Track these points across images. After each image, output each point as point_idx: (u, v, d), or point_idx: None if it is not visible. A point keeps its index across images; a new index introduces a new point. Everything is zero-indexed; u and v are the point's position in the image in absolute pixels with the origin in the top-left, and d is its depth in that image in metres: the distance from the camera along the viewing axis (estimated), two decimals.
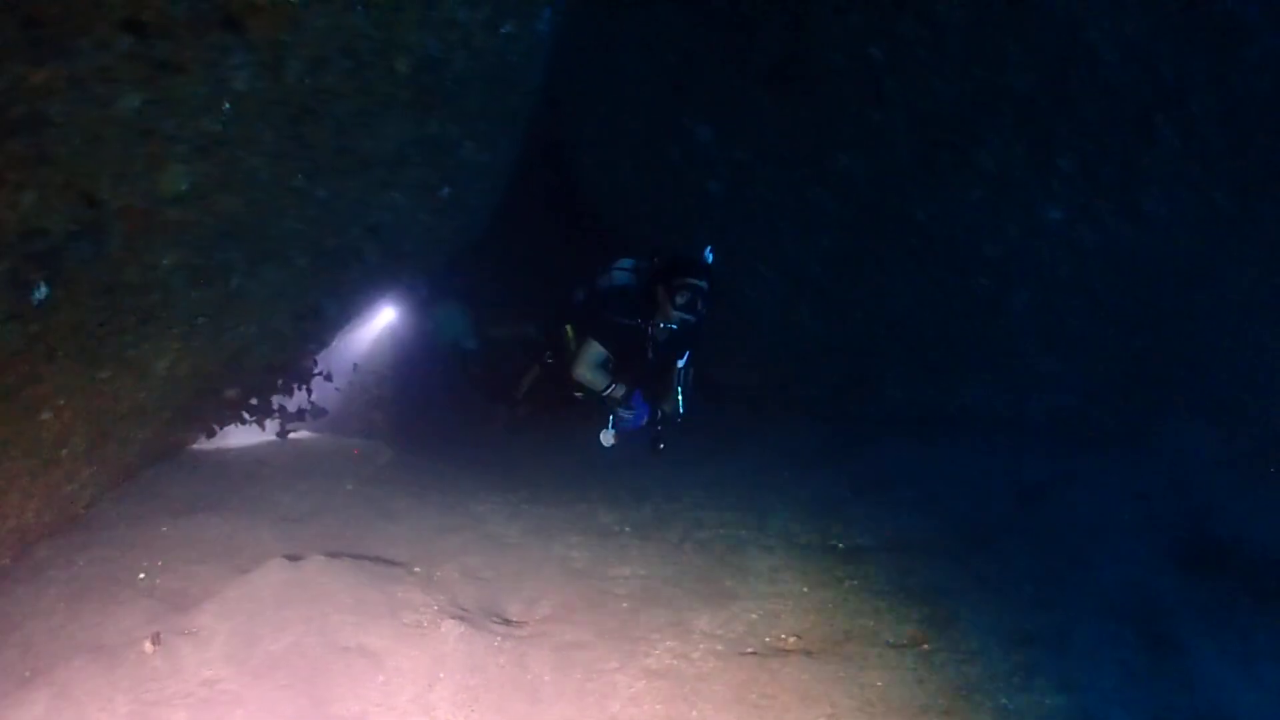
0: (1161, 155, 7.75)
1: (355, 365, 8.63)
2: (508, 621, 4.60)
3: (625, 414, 6.91)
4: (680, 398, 7.08)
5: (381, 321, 8.31)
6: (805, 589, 5.27)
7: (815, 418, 9.08)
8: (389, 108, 5.04)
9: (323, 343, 6.92)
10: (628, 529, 6.29)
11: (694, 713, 3.92)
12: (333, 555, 4.94)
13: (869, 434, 8.73)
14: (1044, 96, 7.69)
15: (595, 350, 6.84)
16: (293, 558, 4.79)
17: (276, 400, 7.01)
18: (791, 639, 4.68)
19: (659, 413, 7.10)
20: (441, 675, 4.00)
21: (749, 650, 4.50)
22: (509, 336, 8.04)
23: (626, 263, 7.23)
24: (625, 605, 4.87)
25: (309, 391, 7.41)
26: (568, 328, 7.21)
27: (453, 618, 4.41)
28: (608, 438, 6.85)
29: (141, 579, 4.77)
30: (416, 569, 5.06)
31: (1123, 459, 8.03)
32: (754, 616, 4.85)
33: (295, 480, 6.24)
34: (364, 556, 5.12)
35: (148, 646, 4.03)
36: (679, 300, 6.65)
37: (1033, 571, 5.81)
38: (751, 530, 6.29)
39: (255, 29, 3.97)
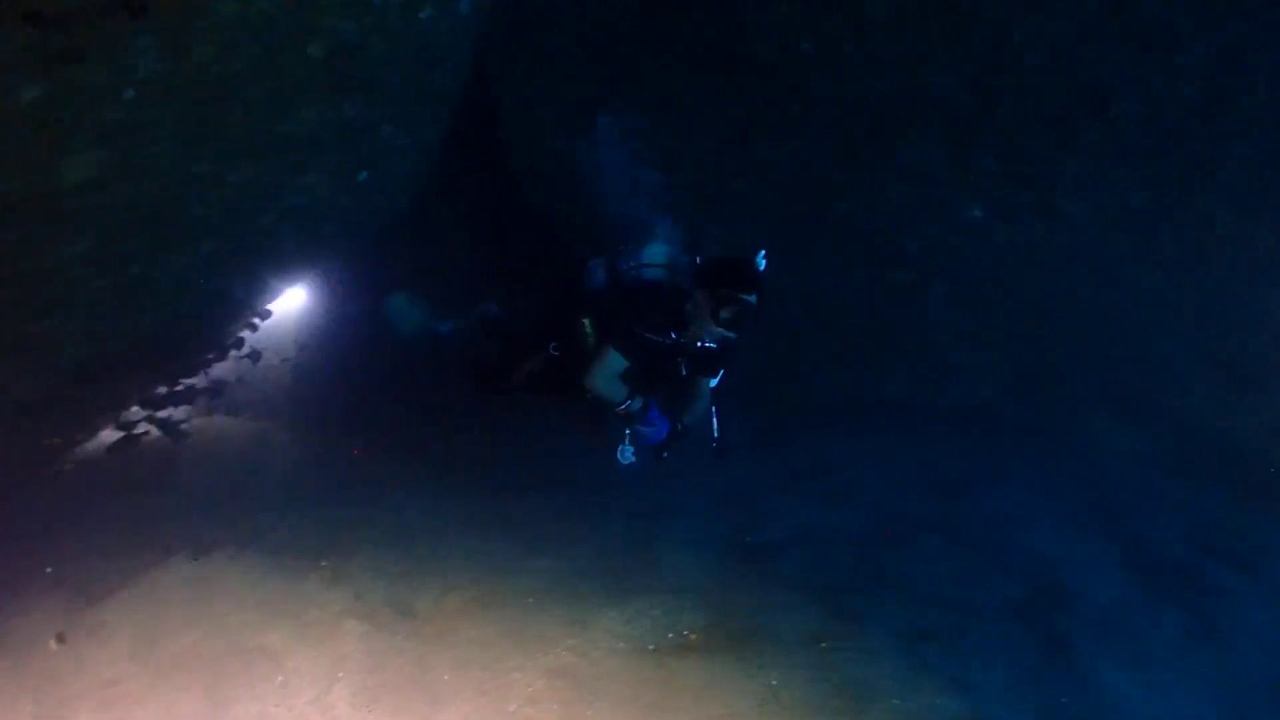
0: (1081, 156, 7.90)
1: (301, 345, 8.29)
2: (413, 617, 4.63)
3: (645, 430, 6.19)
4: (715, 421, 6.38)
5: (302, 303, 8.01)
6: (712, 585, 5.35)
7: (739, 408, 9.16)
8: (302, 92, 4.98)
9: (252, 325, 6.81)
10: (543, 520, 6.32)
11: (590, 712, 3.99)
12: (239, 549, 4.95)
13: (792, 425, 8.82)
14: (967, 96, 7.80)
15: (615, 360, 5.97)
16: (198, 553, 4.79)
17: (184, 383, 6.81)
18: (693, 636, 4.76)
19: (678, 426, 6.31)
20: (341, 675, 4.04)
21: (650, 648, 4.57)
22: (463, 325, 7.43)
23: (659, 254, 6.36)
24: (530, 601, 4.91)
25: (206, 374, 7.12)
26: (585, 321, 6.25)
27: (355, 616, 4.44)
28: (626, 455, 6.14)
29: (49, 571, 4.74)
30: (324, 563, 5.06)
31: (1036, 453, 8.20)
32: (657, 613, 4.91)
33: (206, 469, 6.19)
34: (271, 550, 5.11)
35: (53, 645, 4.03)
36: (723, 315, 5.77)
37: (937, 567, 5.94)
38: (665, 524, 6.35)
39: (160, 15, 3.92)
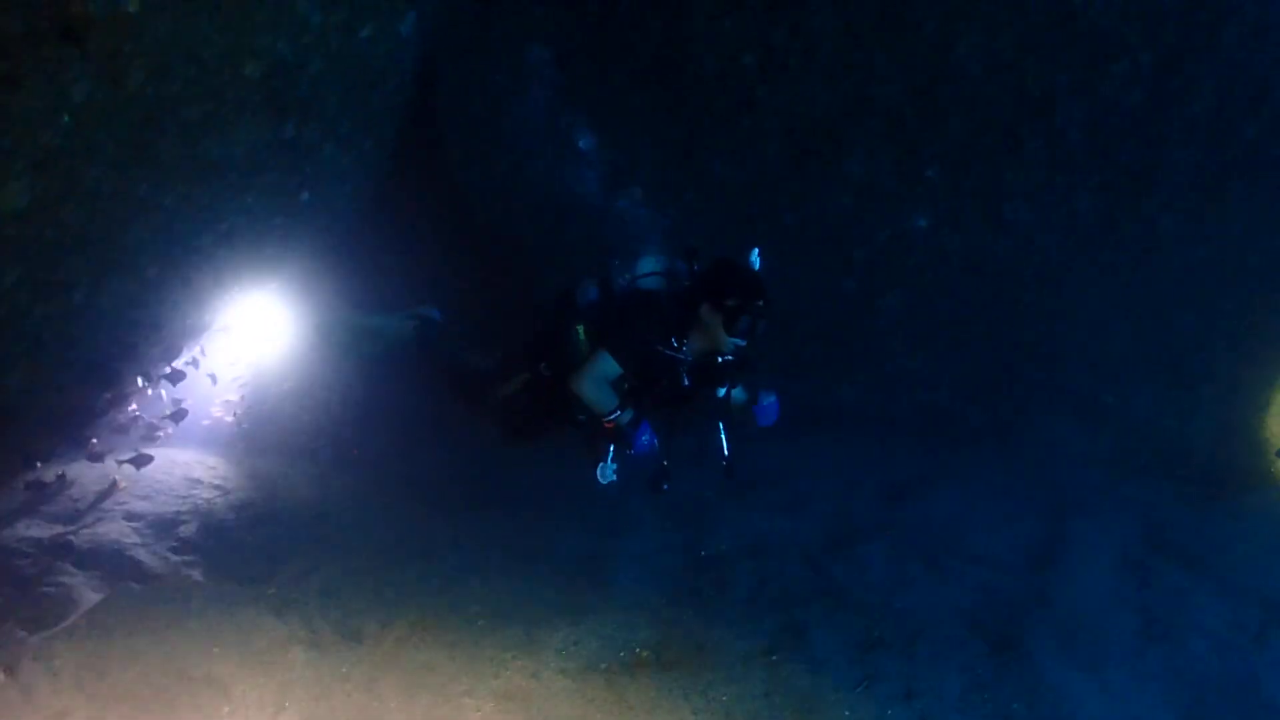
0: (1026, 165, 8.01)
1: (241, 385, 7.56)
2: (361, 642, 4.60)
3: (630, 449, 5.75)
4: (724, 439, 6.05)
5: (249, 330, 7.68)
6: (663, 601, 5.36)
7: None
8: (239, 113, 4.95)
9: (171, 375, 6.58)
10: (497, 538, 6.27)
11: None
12: (187, 575, 4.90)
13: (743, 433, 8.82)
14: (912, 107, 7.88)
15: (606, 363, 5.60)
16: (145, 579, 4.74)
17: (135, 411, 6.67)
18: (644, 654, 4.76)
19: (669, 446, 5.88)
20: (288, 705, 4.00)
21: (601, 667, 4.57)
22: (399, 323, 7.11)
23: (654, 263, 6.08)
24: (481, 623, 4.89)
25: (164, 394, 6.80)
26: (579, 328, 5.91)
27: (303, 643, 4.40)
28: (606, 474, 5.72)
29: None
30: (271, 590, 5.01)
31: (988, 456, 8.29)
32: (609, 631, 4.90)
33: (153, 491, 6.09)
34: (219, 576, 5.06)
35: (0, 675, 3.98)
36: (739, 327, 5.52)
37: (888, 575, 5.98)
38: (618, 539, 6.34)
39: (94, 40, 3.90)
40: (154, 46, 4.15)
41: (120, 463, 6.09)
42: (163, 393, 6.51)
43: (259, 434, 7.25)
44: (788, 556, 6.11)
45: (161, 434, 6.80)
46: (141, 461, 6.12)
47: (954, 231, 8.28)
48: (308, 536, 5.80)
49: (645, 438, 5.72)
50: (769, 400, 6.14)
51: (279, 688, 4.10)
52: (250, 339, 7.22)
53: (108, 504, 5.60)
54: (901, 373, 8.87)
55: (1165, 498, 7.98)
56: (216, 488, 6.10)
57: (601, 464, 5.73)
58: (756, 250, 5.71)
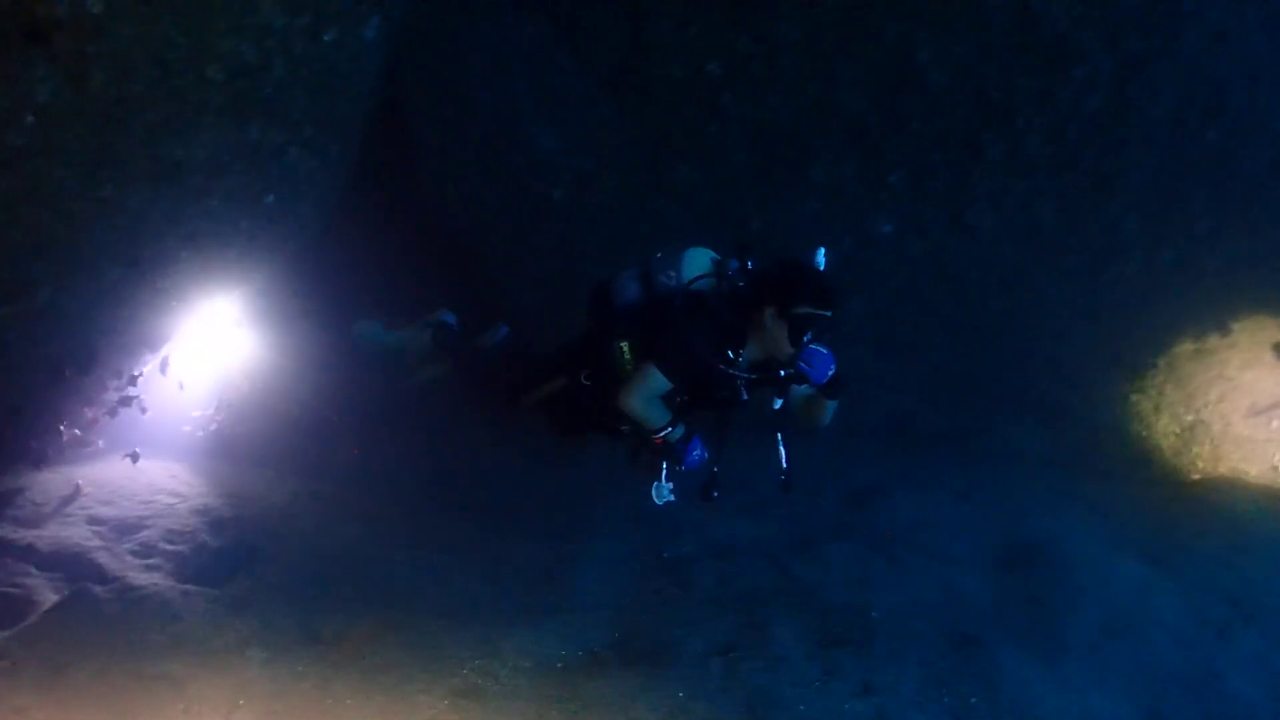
0: (987, 171, 8.08)
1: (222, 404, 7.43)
2: (318, 643, 4.62)
3: (680, 466, 5.38)
4: (782, 449, 5.55)
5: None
6: (625, 601, 5.39)
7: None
8: (202, 115, 4.98)
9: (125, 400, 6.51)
10: (461, 542, 6.30)
11: None
12: (148, 577, 4.91)
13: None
14: (875, 114, 7.95)
15: (656, 379, 5.12)
16: (106, 581, 4.76)
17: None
18: (605, 652, 4.80)
19: (719, 451, 5.51)
20: (243, 702, 4.03)
21: (559, 666, 4.61)
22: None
23: (703, 261, 5.49)
24: (441, 624, 4.92)
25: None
26: (623, 346, 5.36)
27: (260, 643, 4.42)
28: (663, 494, 5.36)
29: None
30: (231, 591, 5.03)
31: (952, 460, 8.34)
32: (569, 631, 4.95)
33: (116, 496, 6.09)
34: (179, 579, 5.07)
35: None
36: (809, 335, 5.01)
37: (850, 574, 6.02)
38: (583, 543, 6.36)
39: (59, 41, 3.94)
40: (118, 48, 4.20)
41: (124, 456, 6.16)
42: (127, 392, 6.45)
43: (225, 441, 7.25)
44: (752, 557, 6.15)
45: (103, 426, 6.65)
46: (135, 457, 6.20)
47: (918, 237, 8.34)
48: (270, 540, 5.80)
49: (696, 453, 5.39)
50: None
51: (234, 686, 4.13)
52: (221, 347, 7.18)
53: (71, 509, 5.61)
54: (865, 377, 8.91)
55: (1128, 499, 8.06)
56: (179, 494, 6.11)
57: (656, 484, 5.37)
58: (822, 250, 5.20)
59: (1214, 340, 8.37)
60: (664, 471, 5.38)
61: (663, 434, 5.23)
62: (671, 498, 5.37)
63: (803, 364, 5.08)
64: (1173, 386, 8.55)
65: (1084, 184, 8.10)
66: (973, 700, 4.85)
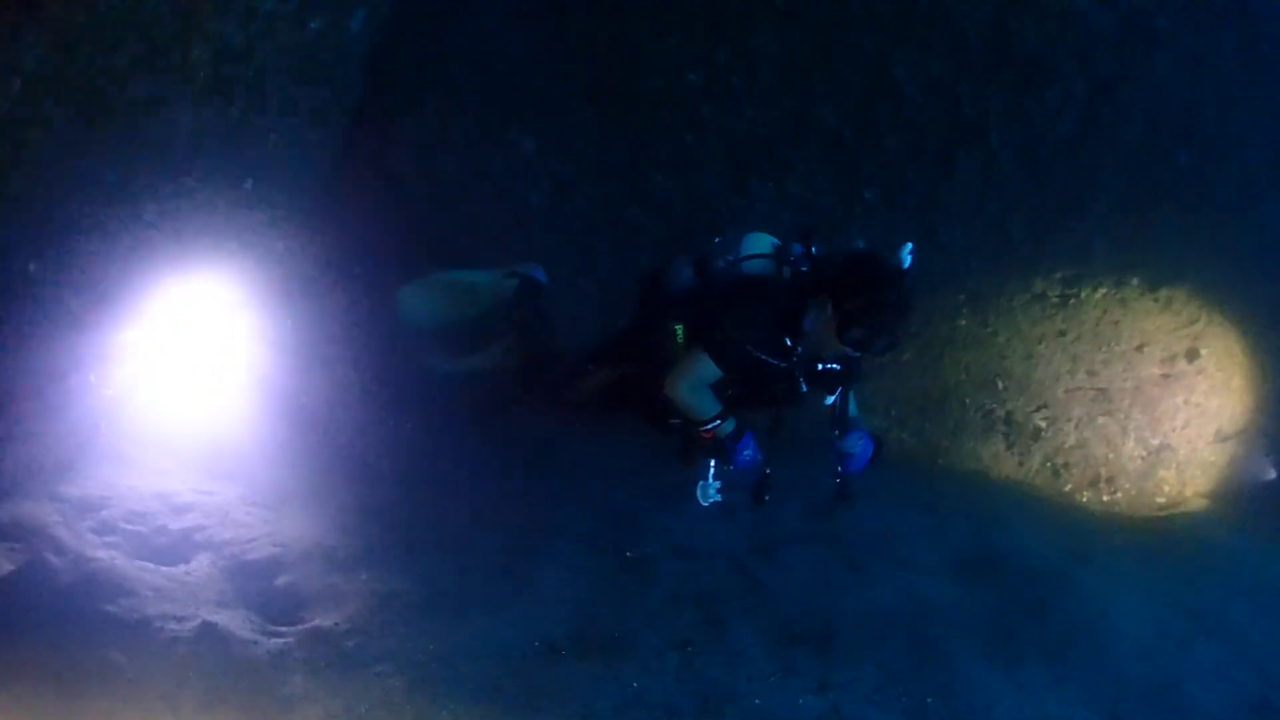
0: (961, 188, 8.15)
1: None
2: (274, 628, 4.57)
3: (730, 465, 5.09)
4: (841, 452, 5.27)
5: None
6: (584, 597, 5.37)
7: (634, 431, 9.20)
8: (184, 94, 5.00)
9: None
10: (419, 537, 6.21)
11: (444, 713, 4.00)
12: (105, 554, 4.85)
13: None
14: (850, 128, 8.02)
15: (706, 366, 4.84)
16: (61, 554, 4.69)
17: None
18: (561, 645, 4.78)
19: (771, 451, 5.18)
20: (191, 675, 3.99)
21: (514, 657, 4.59)
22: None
23: (762, 243, 5.20)
24: (399, 613, 4.88)
25: None
26: (677, 328, 5.13)
27: (209, 628, 4.34)
28: (708, 494, 5.10)
29: None
30: (189, 571, 4.98)
31: (918, 476, 8.36)
32: (526, 623, 4.92)
33: (80, 476, 6.00)
34: (137, 558, 5.01)
35: None
36: (856, 333, 4.63)
37: (812, 577, 6.04)
38: (545, 541, 6.30)
39: (50, 7, 3.96)
40: (107, 20, 4.23)
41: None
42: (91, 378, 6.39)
43: (202, 428, 7.17)
44: (714, 558, 6.16)
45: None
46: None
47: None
48: (233, 526, 5.74)
49: (748, 452, 5.04)
50: (860, 443, 5.24)
51: (175, 667, 4.06)
52: (202, 333, 7.09)
53: (33, 485, 5.54)
54: None
55: (1093, 519, 8.13)
56: (146, 476, 6.05)
57: (702, 483, 5.11)
58: (909, 246, 4.80)
59: (1181, 365, 8.44)
60: (711, 470, 5.11)
61: (712, 426, 4.94)
62: (718, 498, 5.12)
63: (843, 448, 5.06)
64: (1140, 410, 8.60)
65: (1054, 205, 8.18)
66: (929, 700, 4.89)
